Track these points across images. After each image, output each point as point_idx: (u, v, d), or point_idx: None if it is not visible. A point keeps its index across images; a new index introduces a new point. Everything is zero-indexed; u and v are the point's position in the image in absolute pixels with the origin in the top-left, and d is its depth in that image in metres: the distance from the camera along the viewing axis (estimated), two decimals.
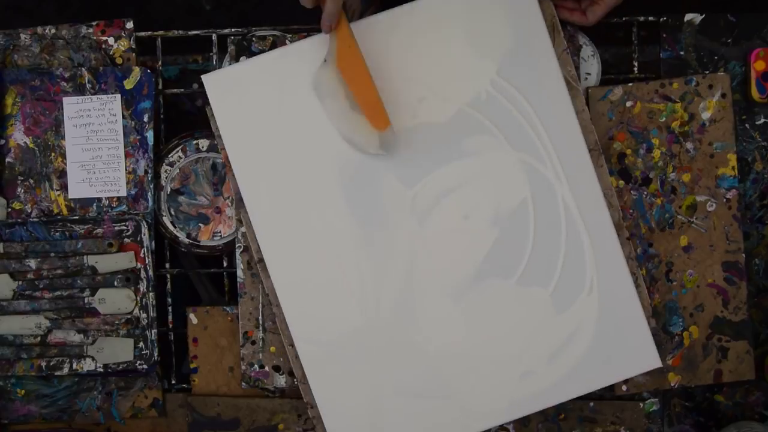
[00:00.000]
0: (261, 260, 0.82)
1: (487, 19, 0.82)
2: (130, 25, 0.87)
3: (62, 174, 0.86)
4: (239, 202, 0.82)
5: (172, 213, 0.87)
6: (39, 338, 0.85)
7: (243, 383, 0.86)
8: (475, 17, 0.82)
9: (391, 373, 0.82)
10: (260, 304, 0.85)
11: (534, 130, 0.82)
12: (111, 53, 0.88)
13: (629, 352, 0.82)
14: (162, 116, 0.89)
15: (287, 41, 0.85)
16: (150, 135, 0.86)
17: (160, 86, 0.89)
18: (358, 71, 0.77)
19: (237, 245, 0.84)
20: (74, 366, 0.85)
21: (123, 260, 0.85)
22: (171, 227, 0.86)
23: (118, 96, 0.86)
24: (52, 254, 0.85)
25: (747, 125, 0.88)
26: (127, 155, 0.86)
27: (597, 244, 0.82)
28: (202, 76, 0.82)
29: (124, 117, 0.86)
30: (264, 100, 0.82)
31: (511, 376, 0.82)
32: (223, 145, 0.82)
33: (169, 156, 0.86)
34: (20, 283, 0.85)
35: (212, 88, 0.82)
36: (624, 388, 0.86)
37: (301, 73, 0.81)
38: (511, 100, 0.82)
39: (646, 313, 0.83)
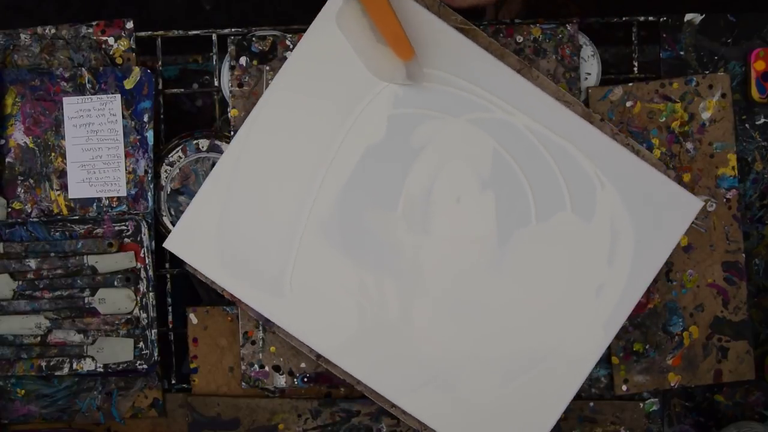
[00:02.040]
0: (319, 356, 0.83)
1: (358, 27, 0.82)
2: (130, 25, 0.87)
3: (62, 174, 0.86)
4: (266, 323, 0.83)
5: (172, 213, 0.87)
6: (39, 338, 0.85)
7: (243, 383, 0.86)
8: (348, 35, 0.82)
9: (483, 374, 0.82)
10: None
11: (462, 89, 0.82)
12: (111, 53, 0.88)
13: (670, 211, 0.82)
14: (162, 116, 0.89)
15: (287, 41, 0.85)
16: (150, 135, 0.86)
17: (160, 86, 0.89)
18: (380, 4, 0.77)
19: None
20: (74, 366, 0.85)
21: (123, 260, 0.85)
22: (171, 227, 0.86)
23: (118, 96, 0.86)
24: (52, 254, 0.85)
25: (747, 125, 0.88)
26: (127, 155, 0.86)
27: (579, 143, 0.82)
28: (165, 245, 0.82)
29: (124, 117, 0.86)
30: (223, 226, 0.82)
31: (589, 303, 0.82)
32: (222, 287, 0.83)
33: (169, 156, 0.86)
34: (20, 283, 0.85)
35: (177, 248, 0.82)
36: (624, 388, 0.86)
37: (237, 179, 0.82)
38: (426, 78, 0.82)
39: (661, 170, 0.83)
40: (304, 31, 0.86)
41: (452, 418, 0.82)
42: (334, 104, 0.82)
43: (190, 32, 0.89)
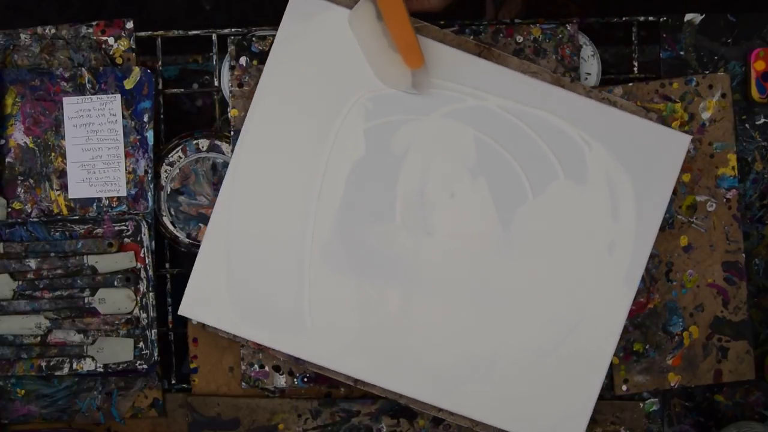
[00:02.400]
0: (356, 380, 0.84)
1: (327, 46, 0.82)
2: (130, 25, 0.87)
3: (62, 174, 0.86)
4: (297, 362, 0.83)
5: (172, 213, 0.86)
6: (39, 338, 0.85)
7: (243, 383, 0.86)
8: (316, 58, 0.83)
9: (519, 358, 0.82)
10: None
11: (429, 86, 0.82)
12: (111, 53, 0.88)
13: (660, 153, 0.82)
14: (162, 116, 0.89)
15: None
16: (150, 135, 0.86)
17: (160, 86, 0.89)
18: (396, 8, 0.78)
19: None
20: (74, 366, 0.85)
21: (123, 260, 0.85)
22: (171, 227, 0.86)
23: (118, 96, 0.86)
24: (52, 254, 0.85)
25: (747, 125, 0.88)
26: (127, 155, 0.86)
27: (556, 110, 0.82)
28: (180, 312, 0.82)
29: (124, 117, 0.86)
30: (231, 279, 0.82)
31: (605, 262, 0.82)
32: (246, 339, 0.83)
33: (169, 156, 0.86)
34: (20, 283, 0.85)
35: (192, 312, 0.82)
36: (624, 388, 0.86)
37: (234, 228, 0.82)
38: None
39: (642, 115, 0.83)
40: None
41: (500, 408, 0.82)
42: (309, 133, 0.82)
43: (190, 32, 0.89)
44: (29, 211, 0.86)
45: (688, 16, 0.88)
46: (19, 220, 0.85)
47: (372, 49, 0.81)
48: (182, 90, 0.91)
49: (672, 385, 0.86)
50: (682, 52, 0.88)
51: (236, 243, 0.82)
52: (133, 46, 0.87)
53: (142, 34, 0.88)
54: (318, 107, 0.82)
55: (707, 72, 0.88)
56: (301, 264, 0.82)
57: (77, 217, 0.85)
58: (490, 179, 0.82)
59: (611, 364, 0.86)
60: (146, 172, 0.86)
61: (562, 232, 0.82)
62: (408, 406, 0.84)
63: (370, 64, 0.81)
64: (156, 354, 0.85)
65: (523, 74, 0.82)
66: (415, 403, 0.83)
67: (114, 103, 0.86)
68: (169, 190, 0.86)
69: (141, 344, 0.85)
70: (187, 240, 0.86)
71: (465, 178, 0.82)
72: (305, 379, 0.86)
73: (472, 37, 0.86)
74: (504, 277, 0.82)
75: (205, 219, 0.86)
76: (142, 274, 0.85)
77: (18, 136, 0.86)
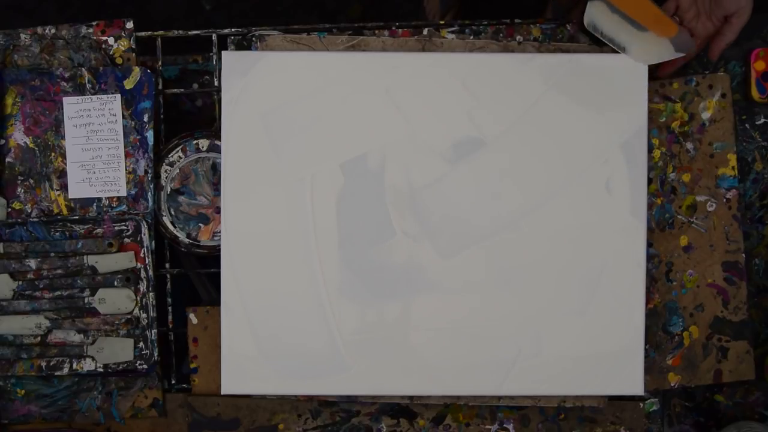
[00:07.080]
0: (412, 397, 0.85)
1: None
2: (130, 25, 0.87)
3: (62, 174, 0.86)
4: (348, 400, 0.85)
5: (172, 213, 0.86)
6: (39, 338, 0.85)
7: None
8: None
9: (557, 322, 0.83)
10: None
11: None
12: (111, 53, 0.88)
13: (624, 79, 0.82)
14: (162, 116, 0.88)
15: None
16: (150, 135, 0.86)
17: (160, 86, 0.89)
18: None
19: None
20: (74, 366, 0.85)
21: (123, 260, 0.85)
22: (171, 227, 0.86)
23: (118, 96, 0.86)
24: (52, 254, 0.85)
25: (747, 125, 0.88)
26: (127, 155, 0.86)
27: (510, 75, 0.82)
28: (223, 392, 0.83)
29: (124, 117, 0.86)
30: (261, 345, 0.83)
31: (607, 202, 0.82)
32: (296, 395, 0.84)
33: (169, 156, 0.86)
34: (20, 283, 0.85)
35: (235, 388, 0.84)
36: None
37: (245, 295, 0.83)
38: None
39: (596, 50, 0.83)
40: (305, 30, 0.86)
41: (555, 376, 0.83)
42: (286, 181, 0.82)
43: (190, 32, 0.89)
44: (29, 211, 0.86)
45: None
46: (19, 220, 0.85)
47: (620, 40, 0.81)
48: (182, 90, 0.91)
49: (672, 385, 0.86)
50: None
51: (252, 306, 0.82)
52: (133, 46, 0.87)
53: (142, 34, 0.88)
54: (286, 155, 0.82)
55: (707, 72, 0.88)
56: (322, 308, 0.82)
57: (77, 217, 0.85)
58: (470, 162, 0.82)
59: None
60: (146, 172, 0.86)
61: (558, 193, 0.82)
62: (467, 404, 0.85)
63: (627, 54, 0.81)
64: (156, 354, 0.85)
65: (471, 52, 0.83)
66: (474, 399, 0.84)
67: (114, 103, 0.86)
68: (169, 190, 0.86)
69: (141, 344, 0.85)
70: (187, 240, 0.86)
71: (446, 168, 0.82)
72: None
73: (471, 37, 0.86)
74: (518, 250, 0.82)
75: (205, 219, 0.86)
76: (142, 274, 0.85)
77: (18, 136, 0.86)
